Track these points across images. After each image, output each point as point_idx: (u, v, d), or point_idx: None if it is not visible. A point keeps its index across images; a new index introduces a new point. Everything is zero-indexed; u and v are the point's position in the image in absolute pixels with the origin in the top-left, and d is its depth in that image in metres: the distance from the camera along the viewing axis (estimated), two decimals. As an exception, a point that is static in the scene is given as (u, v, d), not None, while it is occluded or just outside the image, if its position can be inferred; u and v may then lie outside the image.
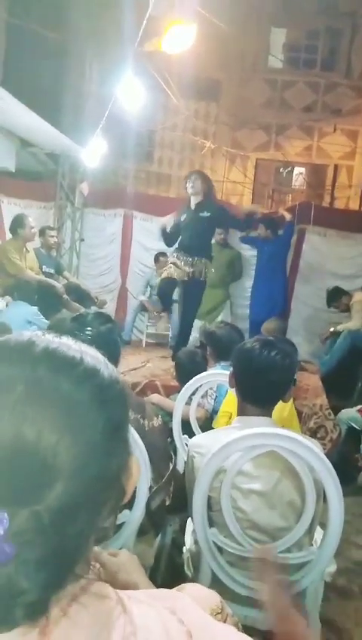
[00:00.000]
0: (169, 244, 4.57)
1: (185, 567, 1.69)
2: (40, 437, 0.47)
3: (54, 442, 0.47)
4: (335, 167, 8.88)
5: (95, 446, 0.50)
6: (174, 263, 4.27)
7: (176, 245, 4.42)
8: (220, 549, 1.47)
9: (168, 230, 4.43)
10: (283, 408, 1.60)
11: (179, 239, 4.38)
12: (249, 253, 5.80)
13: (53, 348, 0.53)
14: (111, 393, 0.54)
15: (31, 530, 0.46)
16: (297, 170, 9.32)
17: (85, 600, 0.51)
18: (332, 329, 5.16)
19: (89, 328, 1.50)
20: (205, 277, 4.34)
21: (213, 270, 4.55)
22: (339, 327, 5.03)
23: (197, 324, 5.56)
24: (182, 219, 4.30)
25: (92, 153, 5.74)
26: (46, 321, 3.81)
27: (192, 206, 4.28)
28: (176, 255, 4.32)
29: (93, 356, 0.55)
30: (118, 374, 0.56)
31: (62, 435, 0.48)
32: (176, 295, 4.74)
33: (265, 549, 0.85)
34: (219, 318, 5.47)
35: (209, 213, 4.23)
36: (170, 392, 3.31)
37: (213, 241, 5.38)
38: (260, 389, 1.48)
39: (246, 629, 1.15)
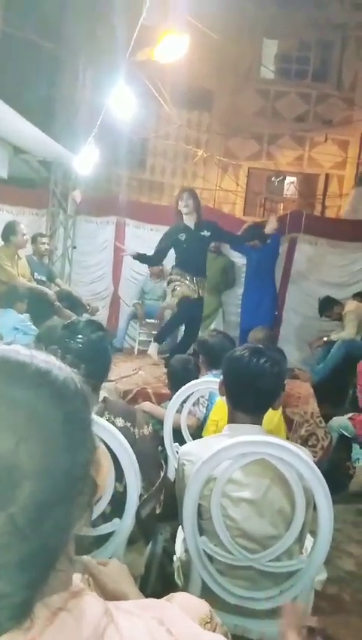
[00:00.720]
0: (152, 264, 4.59)
1: (176, 576, 1.68)
2: None
3: (13, 445, 0.48)
4: (327, 176, 8.98)
5: (57, 444, 0.52)
6: (182, 282, 4.32)
7: (175, 264, 4.44)
8: (210, 558, 1.46)
9: (154, 251, 4.47)
10: (272, 416, 1.60)
11: (179, 258, 4.40)
12: (241, 261, 5.84)
13: (1, 355, 0.55)
14: (66, 392, 0.55)
15: (7, 533, 0.47)
16: (289, 179, 9.42)
17: (73, 609, 0.51)
18: (325, 338, 5.19)
19: (80, 336, 1.50)
20: (203, 295, 4.45)
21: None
22: (333, 337, 5.05)
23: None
24: (182, 238, 4.29)
25: (85, 161, 5.76)
26: (34, 327, 3.80)
27: (191, 226, 4.32)
28: (180, 273, 4.34)
29: (44, 359, 0.57)
30: (73, 375, 0.58)
31: (20, 438, 0.49)
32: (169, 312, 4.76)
33: (295, 607, 0.93)
34: (212, 326, 5.49)
35: (209, 232, 4.31)
36: (162, 399, 3.30)
37: None
38: (250, 397, 1.48)
39: (236, 639, 1.15)
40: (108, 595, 0.86)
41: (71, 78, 7.85)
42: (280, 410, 1.81)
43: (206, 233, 4.31)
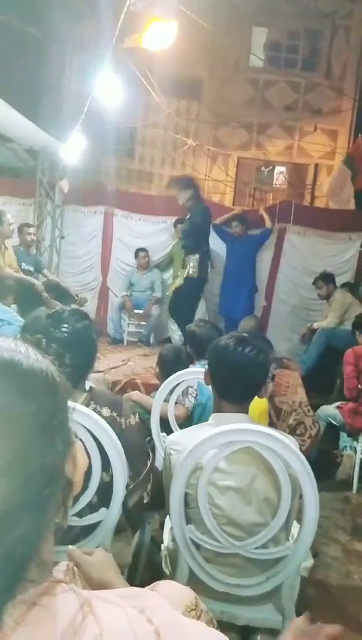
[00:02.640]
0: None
1: (163, 565, 1.69)
2: None
3: None
4: (316, 166, 8.98)
5: (25, 441, 0.48)
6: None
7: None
8: (197, 546, 1.47)
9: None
10: (259, 404, 1.61)
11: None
12: (220, 248, 5.80)
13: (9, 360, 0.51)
14: (34, 384, 0.52)
15: None
16: (278, 169, 9.40)
17: (48, 602, 0.50)
18: (309, 325, 5.24)
19: (65, 325, 1.48)
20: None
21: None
22: (315, 325, 5.10)
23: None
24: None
25: (72, 149, 5.69)
26: (20, 318, 3.76)
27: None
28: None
29: (9, 349, 0.53)
30: (44, 364, 0.54)
31: None
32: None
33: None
34: (197, 315, 5.49)
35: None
36: (151, 390, 3.30)
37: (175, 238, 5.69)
38: (235, 386, 1.48)
39: (223, 625, 1.16)
40: (94, 584, 0.86)
41: (57, 65, 7.73)
42: (266, 400, 1.82)
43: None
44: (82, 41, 7.22)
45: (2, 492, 0.46)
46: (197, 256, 4.70)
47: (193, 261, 4.70)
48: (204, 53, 8.32)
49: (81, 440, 1.33)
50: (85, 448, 1.36)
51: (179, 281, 4.90)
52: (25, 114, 4.95)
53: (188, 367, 2.67)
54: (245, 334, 1.53)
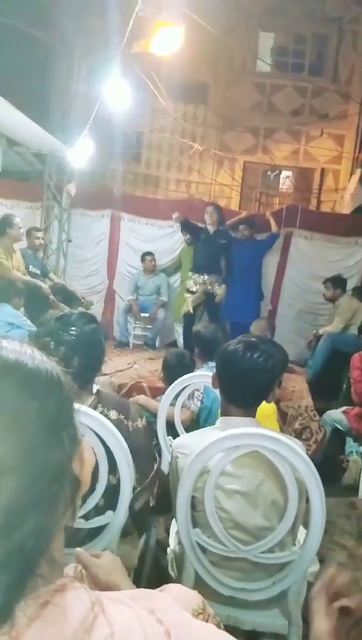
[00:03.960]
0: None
1: (169, 568, 1.69)
2: None
3: None
4: (322, 171, 8.97)
5: (31, 439, 0.49)
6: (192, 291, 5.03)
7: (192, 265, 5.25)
8: (203, 550, 1.47)
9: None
10: (265, 408, 1.61)
11: (195, 257, 5.23)
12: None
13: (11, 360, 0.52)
14: (39, 384, 0.52)
15: None
16: (284, 173, 9.39)
17: (60, 602, 0.50)
18: (314, 331, 5.23)
19: (73, 328, 1.49)
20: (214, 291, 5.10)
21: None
22: (321, 331, 5.10)
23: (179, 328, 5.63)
24: (201, 237, 5.11)
25: (79, 153, 5.72)
26: (29, 322, 3.78)
27: (210, 231, 5.12)
28: (193, 279, 5.10)
29: (14, 350, 0.54)
30: (49, 365, 0.55)
31: None
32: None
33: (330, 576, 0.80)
34: (204, 318, 5.50)
35: (225, 241, 5.10)
36: (157, 393, 3.30)
37: (182, 242, 5.81)
38: (243, 391, 1.48)
39: (229, 629, 1.16)
40: (101, 586, 0.86)
41: (65, 70, 7.78)
42: (273, 404, 1.82)
43: (222, 241, 5.09)
44: (90, 46, 7.28)
45: (11, 489, 0.47)
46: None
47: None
48: (211, 58, 8.35)
49: (98, 435, 1.33)
50: (92, 447, 1.36)
51: None
52: (33, 118, 4.99)
53: (192, 371, 2.67)
54: (254, 339, 1.53)
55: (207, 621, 0.93)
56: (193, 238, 5.27)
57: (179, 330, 5.80)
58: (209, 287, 5.05)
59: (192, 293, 5.05)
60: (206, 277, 5.05)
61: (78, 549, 0.91)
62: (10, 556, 0.46)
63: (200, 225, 5.22)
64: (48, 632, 0.48)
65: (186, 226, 5.23)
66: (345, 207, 6.86)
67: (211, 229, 5.08)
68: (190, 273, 5.21)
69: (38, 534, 0.49)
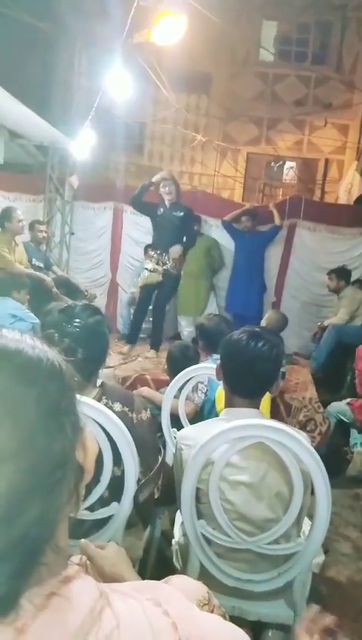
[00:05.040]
0: (135, 206, 4.67)
1: (174, 560, 1.69)
2: None
3: None
4: (326, 161, 8.90)
5: (32, 426, 0.49)
6: (147, 268, 4.56)
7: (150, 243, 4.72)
8: (208, 541, 1.47)
9: (143, 199, 4.56)
10: (266, 400, 1.60)
11: (154, 234, 4.67)
12: (229, 242, 5.78)
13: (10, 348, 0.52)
14: (38, 371, 0.52)
15: None
16: (288, 164, 9.33)
17: (67, 592, 0.50)
18: (319, 323, 5.22)
19: (77, 320, 1.49)
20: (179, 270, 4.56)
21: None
22: (325, 323, 5.08)
23: (191, 319, 5.62)
24: (159, 212, 4.51)
25: (81, 145, 5.70)
26: (33, 315, 3.78)
27: (167, 205, 4.50)
28: (152, 254, 4.57)
29: (15, 339, 0.54)
30: (50, 353, 0.55)
31: None
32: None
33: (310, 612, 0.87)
34: (208, 311, 5.49)
35: (182, 213, 4.47)
36: (161, 385, 3.30)
37: None
38: (248, 381, 1.48)
39: (234, 620, 1.16)
40: (106, 577, 0.86)
41: (67, 61, 7.73)
42: (268, 395, 1.81)
43: (179, 214, 4.47)
44: (92, 37, 7.21)
45: (12, 475, 0.47)
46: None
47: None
48: (213, 48, 8.27)
49: (102, 427, 1.33)
50: (95, 436, 1.36)
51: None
52: (34, 110, 4.96)
53: (196, 363, 2.66)
54: (257, 329, 1.52)
55: (212, 612, 0.92)
56: (150, 218, 4.65)
57: (182, 322, 5.79)
58: (166, 266, 4.49)
59: (149, 271, 4.56)
60: (165, 255, 4.49)
61: (82, 540, 0.91)
62: (13, 544, 0.46)
63: (153, 202, 4.62)
64: (55, 622, 0.48)
65: (138, 205, 4.61)
66: (342, 199, 6.80)
67: (168, 202, 4.49)
68: (149, 251, 4.77)
69: (41, 522, 0.48)
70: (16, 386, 0.50)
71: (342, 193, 6.57)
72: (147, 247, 5.96)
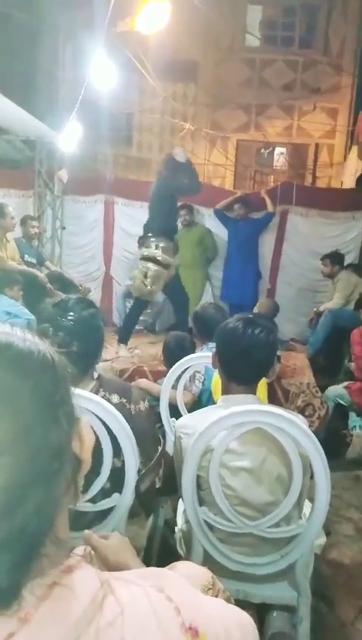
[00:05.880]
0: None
1: (178, 547, 1.71)
2: None
3: None
4: (316, 146, 8.85)
5: (26, 418, 0.49)
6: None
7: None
8: (211, 527, 1.48)
9: None
10: (262, 386, 1.61)
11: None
12: (222, 231, 5.76)
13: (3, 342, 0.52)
14: (31, 363, 0.52)
15: None
16: (278, 150, 9.28)
17: (69, 582, 0.50)
18: (315, 309, 5.23)
19: (71, 314, 1.48)
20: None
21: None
22: (321, 308, 5.10)
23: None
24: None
25: (69, 138, 5.64)
26: (27, 311, 3.77)
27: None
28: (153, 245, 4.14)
29: (5, 332, 0.54)
30: (42, 345, 0.55)
31: None
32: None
33: None
34: (203, 300, 5.49)
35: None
36: (158, 377, 3.31)
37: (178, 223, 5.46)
38: (245, 368, 1.48)
39: (239, 603, 1.17)
40: (111, 567, 0.87)
41: (50, 52, 7.63)
42: (264, 381, 1.82)
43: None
44: (75, 27, 7.12)
45: (9, 468, 0.47)
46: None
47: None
48: (198, 34, 8.17)
49: (100, 419, 1.33)
50: (91, 427, 1.37)
51: None
52: (19, 103, 4.90)
53: (192, 353, 2.67)
54: (251, 315, 1.53)
55: (216, 596, 0.93)
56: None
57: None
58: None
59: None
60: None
61: (86, 531, 0.92)
62: (12, 536, 0.46)
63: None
64: (57, 612, 0.48)
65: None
66: (346, 183, 6.75)
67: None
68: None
69: (40, 514, 0.48)
70: (8, 379, 0.50)
71: (348, 178, 6.53)
72: (141, 239, 5.93)
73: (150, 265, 4.01)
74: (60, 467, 0.51)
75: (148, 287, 4.02)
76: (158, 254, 4.03)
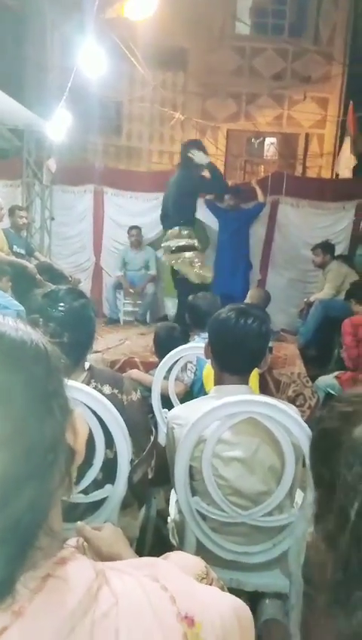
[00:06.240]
0: None
1: (171, 537, 1.71)
2: None
3: None
4: (306, 136, 8.83)
5: (21, 411, 0.48)
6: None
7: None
8: (203, 517, 1.48)
9: None
10: (254, 376, 1.61)
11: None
12: (213, 221, 5.74)
13: None
14: (23, 354, 0.51)
15: None
16: (268, 140, 9.24)
17: (62, 574, 0.50)
18: (305, 299, 5.25)
19: (61, 304, 1.47)
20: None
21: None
22: (311, 298, 5.11)
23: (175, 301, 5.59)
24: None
25: (57, 127, 5.56)
26: (17, 302, 3.74)
27: None
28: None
29: (37, 343, 0.53)
30: (34, 335, 0.54)
31: None
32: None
33: None
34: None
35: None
36: (150, 368, 3.30)
37: None
38: (237, 358, 1.48)
39: (232, 591, 1.17)
40: (104, 558, 0.87)
41: (38, 39, 7.49)
42: (255, 372, 1.82)
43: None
44: (63, 13, 6.98)
45: (4, 462, 0.46)
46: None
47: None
48: (188, 22, 8.05)
49: (92, 410, 1.32)
50: (85, 418, 1.36)
51: None
52: (7, 91, 4.82)
53: (183, 343, 2.66)
54: (243, 306, 1.52)
55: (210, 585, 0.94)
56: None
57: (168, 304, 5.78)
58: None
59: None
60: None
61: (79, 522, 0.91)
62: (7, 529, 0.46)
63: None
64: (52, 604, 0.47)
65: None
66: (342, 169, 6.71)
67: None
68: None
69: (34, 506, 0.48)
70: (1, 370, 0.49)
71: (343, 171, 6.51)
72: (129, 229, 5.89)
73: (189, 254, 4.38)
74: (55, 459, 0.51)
75: (203, 272, 4.38)
76: (195, 243, 4.45)
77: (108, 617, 0.49)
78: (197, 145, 4.58)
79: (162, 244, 4.68)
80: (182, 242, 4.34)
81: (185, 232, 4.36)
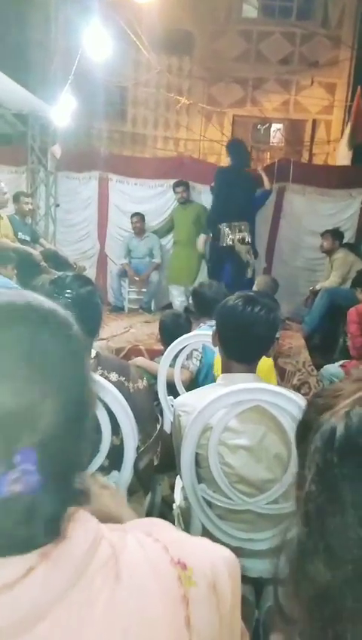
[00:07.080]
0: None
1: (176, 523, 1.73)
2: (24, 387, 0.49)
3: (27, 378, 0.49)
4: (314, 122, 8.71)
5: (66, 368, 0.52)
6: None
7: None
8: (209, 504, 1.49)
9: None
10: (263, 363, 1.60)
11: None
12: None
13: (31, 302, 0.54)
14: (57, 320, 0.55)
15: (42, 460, 0.49)
16: (275, 126, 9.13)
17: (77, 520, 0.54)
18: (311, 288, 5.22)
19: (68, 291, 1.46)
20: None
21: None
22: (317, 286, 5.08)
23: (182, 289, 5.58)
24: None
25: (62, 112, 5.51)
26: (21, 289, 3.73)
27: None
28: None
29: (18, 295, 0.56)
30: (54, 304, 0.57)
31: (32, 370, 0.50)
32: None
33: None
34: (199, 280, 5.46)
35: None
36: (155, 355, 3.31)
37: (173, 201, 5.56)
38: (246, 346, 1.47)
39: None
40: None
41: (42, 22, 7.39)
42: (271, 358, 1.82)
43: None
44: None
45: (61, 404, 0.50)
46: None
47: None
48: (194, 5, 7.92)
49: (99, 398, 1.33)
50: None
51: None
52: (11, 76, 4.76)
53: (188, 331, 2.66)
54: (252, 293, 1.51)
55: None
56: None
57: (173, 292, 5.77)
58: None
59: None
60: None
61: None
62: (64, 474, 0.52)
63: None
64: (69, 549, 0.51)
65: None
66: (340, 160, 6.67)
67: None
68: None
69: (77, 455, 0.54)
70: (45, 334, 0.52)
71: (341, 162, 6.44)
72: (132, 216, 5.85)
73: (246, 247, 5.00)
74: (88, 419, 0.56)
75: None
76: (249, 237, 5.01)
77: (107, 566, 0.53)
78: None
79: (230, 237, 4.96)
80: (239, 236, 4.97)
81: (245, 227, 5.05)
